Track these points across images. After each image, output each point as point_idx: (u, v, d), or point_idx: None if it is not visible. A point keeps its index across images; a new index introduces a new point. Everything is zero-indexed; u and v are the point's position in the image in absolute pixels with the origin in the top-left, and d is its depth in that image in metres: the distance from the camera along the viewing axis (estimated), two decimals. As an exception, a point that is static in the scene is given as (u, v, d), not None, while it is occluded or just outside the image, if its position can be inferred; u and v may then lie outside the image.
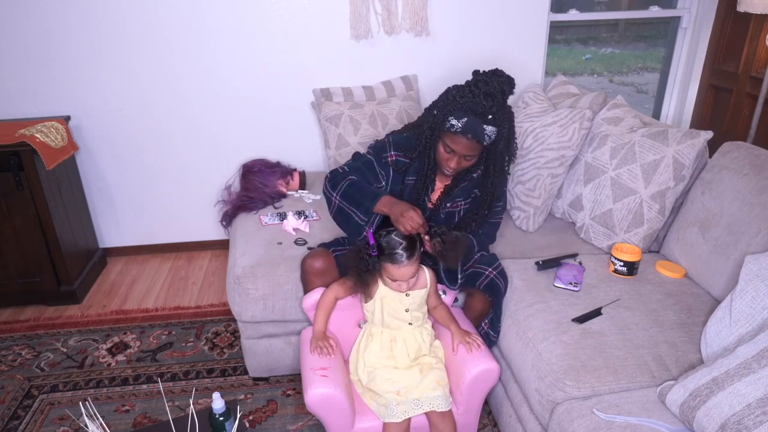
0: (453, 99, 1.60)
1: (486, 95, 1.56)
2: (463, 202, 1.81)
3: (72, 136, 2.64)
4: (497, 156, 1.69)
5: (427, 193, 1.78)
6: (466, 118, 1.56)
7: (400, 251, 1.52)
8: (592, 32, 4.14)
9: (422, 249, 1.61)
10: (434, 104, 1.68)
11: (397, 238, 1.55)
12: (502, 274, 1.77)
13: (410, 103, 2.68)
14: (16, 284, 2.55)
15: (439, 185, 1.81)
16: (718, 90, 3.07)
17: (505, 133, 1.64)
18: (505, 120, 1.62)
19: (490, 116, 1.56)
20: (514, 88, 1.63)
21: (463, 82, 1.65)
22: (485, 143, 1.61)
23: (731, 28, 2.94)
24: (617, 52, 4.05)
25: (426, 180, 1.75)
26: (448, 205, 1.80)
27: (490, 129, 1.58)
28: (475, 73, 1.64)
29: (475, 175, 1.78)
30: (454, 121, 1.58)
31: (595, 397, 1.40)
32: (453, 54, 2.82)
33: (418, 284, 1.63)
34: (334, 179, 1.75)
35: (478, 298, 1.77)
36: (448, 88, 1.68)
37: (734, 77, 2.94)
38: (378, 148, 1.80)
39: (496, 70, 1.63)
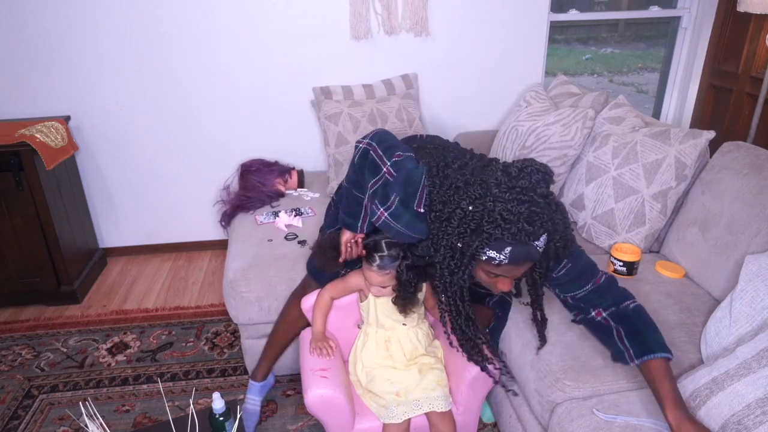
0: (481, 230, 1.17)
1: (529, 219, 1.14)
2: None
3: (72, 136, 2.64)
4: (548, 256, 1.28)
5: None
6: (509, 248, 1.16)
7: (377, 256, 1.51)
8: (592, 32, 4.14)
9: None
10: (444, 228, 1.24)
11: (383, 244, 1.51)
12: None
13: (410, 101, 2.67)
14: (16, 284, 2.55)
15: None
16: (718, 90, 3.07)
17: (559, 234, 1.21)
18: (556, 222, 1.19)
19: (541, 233, 1.17)
20: (552, 176, 1.22)
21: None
22: (539, 257, 1.25)
23: (731, 28, 2.94)
24: (617, 52, 4.05)
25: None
26: None
27: (542, 241, 1.19)
28: (497, 184, 1.18)
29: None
30: (493, 254, 1.18)
31: (595, 397, 1.40)
32: (453, 54, 2.82)
33: None
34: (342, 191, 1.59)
35: (482, 307, 1.74)
36: (461, 202, 1.21)
37: (734, 77, 2.94)
38: (382, 197, 1.38)
39: (526, 166, 1.19)
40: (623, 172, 1.97)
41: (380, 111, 2.58)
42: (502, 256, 1.18)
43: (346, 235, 1.55)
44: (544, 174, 1.20)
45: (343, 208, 1.56)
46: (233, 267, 1.98)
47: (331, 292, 1.69)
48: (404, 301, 1.55)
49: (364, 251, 1.56)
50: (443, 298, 1.35)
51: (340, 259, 1.58)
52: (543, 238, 1.19)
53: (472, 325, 1.41)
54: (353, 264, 1.66)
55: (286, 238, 2.13)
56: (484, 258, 1.20)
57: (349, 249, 1.56)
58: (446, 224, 1.24)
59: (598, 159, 2.06)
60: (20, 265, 2.52)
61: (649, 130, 1.99)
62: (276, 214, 2.32)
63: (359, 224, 1.51)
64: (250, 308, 1.93)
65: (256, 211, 2.40)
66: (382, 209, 1.37)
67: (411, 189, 1.32)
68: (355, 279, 1.66)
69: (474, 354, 1.46)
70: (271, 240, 2.12)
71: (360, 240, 1.56)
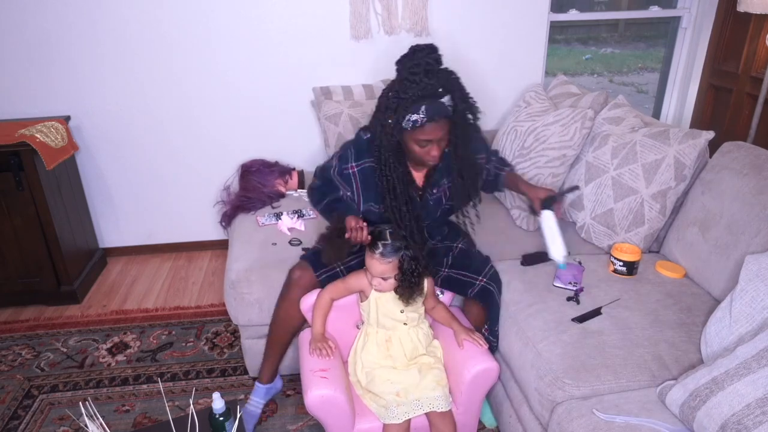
0: (399, 99, 1.53)
1: (426, 74, 1.51)
2: (447, 183, 1.76)
3: (72, 136, 2.64)
4: (459, 119, 1.61)
5: (409, 190, 1.72)
6: (423, 106, 1.50)
7: (380, 244, 1.53)
8: (592, 32, 4.15)
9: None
10: (378, 118, 1.61)
11: (387, 233, 1.55)
12: (494, 278, 1.76)
13: (410, 103, 2.68)
14: (16, 284, 2.56)
15: (418, 175, 1.76)
16: (718, 90, 3.07)
17: (457, 93, 1.57)
18: (451, 82, 1.56)
19: (440, 89, 1.52)
20: (438, 50, 1.57)
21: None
22: (450, 115, 1.56)
23: (731, 28, 2.94)
24: (617, 52, 4.05)
25: (404, 187, 1.68)
26: (434, 191, 1.76)
27: (446, 99, 1.53)
28: (399, 62, 1.57)
29: (446, 150, 1.68)
30: (414, 117, 1.51)
31: (595, 397, 1.40)
32: (453, 54, 2.81)
33: None
34: (311, 197, 1.88)
35: (473, 304, 1.79)
36: (381, 95, 1.61)
37: (734, 77, 2.94)
38: (342, 158, 1.75)
39: (415, 46, 1.57)
40: (622, 172, 1.97)
41: (380, 111, 2.59)
42: (421, 115, 1.51)
43: (352, 222, 1.61)
44: (428, 46, 1.56)
45: (330, 222, 1.77)
46: (235, 268, 1.98)
47: (331, 293, 1.70)
48: (407, 290, 1.57)
49: (369, 237, 1.58)
50: (385, 186, 1.66)
51: (347, 236, 1.61)
52: (447, 98, 1.54)
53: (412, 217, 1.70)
54: (359, 255, 1.68)
55: (290, 243, 2.12)
56: (409, 127, 1.54)
57: (355, 231, 1.60)
58: (379, 115, 1.60)
59: (598, 159, 2.06)
60: (20, 265, 2.52)
61: (649, 131, 1.99)
62: (278, 216, 2.30)
63: (354, 205, 1.77)
64: (250, 309, 1.93)
65: (257, 212, 2.39)
66: (348, 165, 1.72)
67: (346, 145, 1.76)
68: (355, 279, 1.66)
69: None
70: (275, 244, 2.11)
71: (365, 226, 1.59)
